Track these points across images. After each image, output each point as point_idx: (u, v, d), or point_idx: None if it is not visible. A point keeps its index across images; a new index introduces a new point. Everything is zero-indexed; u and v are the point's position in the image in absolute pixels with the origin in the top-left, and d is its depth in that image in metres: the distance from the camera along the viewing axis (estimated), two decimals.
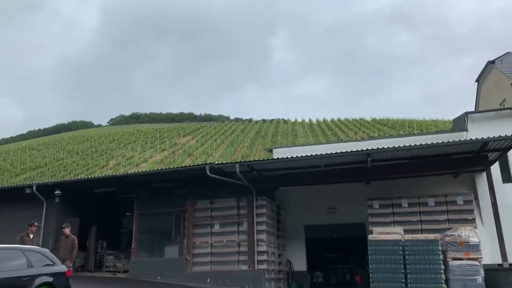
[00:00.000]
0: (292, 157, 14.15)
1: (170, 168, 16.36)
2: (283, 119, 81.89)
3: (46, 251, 8.71)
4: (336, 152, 13.72)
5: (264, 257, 14.66)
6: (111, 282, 14.74)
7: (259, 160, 15.04)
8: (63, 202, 16.76)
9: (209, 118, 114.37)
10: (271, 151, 18.50)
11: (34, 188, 16.57)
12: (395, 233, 13.14)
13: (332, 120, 73.21)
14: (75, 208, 17.27)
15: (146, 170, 18.83)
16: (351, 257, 20.07)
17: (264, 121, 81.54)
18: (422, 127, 48.18)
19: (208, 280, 14.66)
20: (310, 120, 76.97)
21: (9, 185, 23.89)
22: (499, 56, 21.02)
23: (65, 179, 20.75)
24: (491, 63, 20.68)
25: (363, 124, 62.37)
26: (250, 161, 15.13)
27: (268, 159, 14.61)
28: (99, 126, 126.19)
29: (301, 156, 13.93)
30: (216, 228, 15.51)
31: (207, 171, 14.11)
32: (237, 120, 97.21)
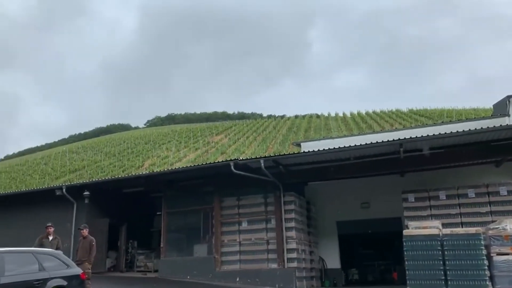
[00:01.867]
0: (318, 150, 13.54)
1: (195, 165, 16.16)
2: (316, 114, 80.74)
3: (59, 253, 8.57)
4: (366, 143, 13.03)
5: (294, 255, 14.16)
6: (137, 283, 14.66)
7: (284, 154, 14.56)
8: (93, 203, 16.87)
9: (242, 116, 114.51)
10: (299, 145, 17.94)
11: (64, 190, 16.76)
12: (432, 227, 12.31)
13: (367, 113, 71.48)
14: (105, 208, 17.36)
15: (170, 168, 18.67)
16: (388, 253, 19.23)
17: (296, 117, 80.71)
18: (461, 116, 46.12)
19: (238, 279, 14.31)
20: (344, 114, 75.49)
21: (41, 187, 24.39)
22: None
23: (94, 179, 20.95)
24: None
25: (399, 116, 60.50)
26: (275, 155, 14.65)
27: (294, 153, 14.08)
28: (136, 128, 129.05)
29: (328, 149, 13.29)
30: (244, 225, 15.13)
31: (232, 167, 13.75)
32: (269, 117, 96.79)
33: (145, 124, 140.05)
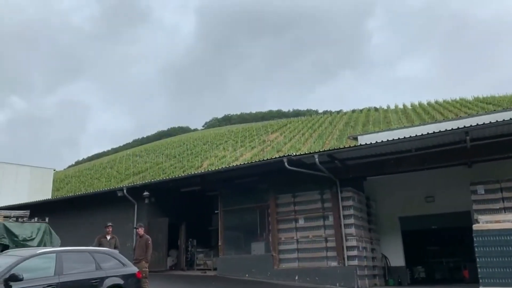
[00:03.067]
0: (376, 142, 12.89)
1: (248, 163, 16.04)
2: (374, 107, 78.34)
3: (115, 252, 8.72)
4: (428, 133, 12.22)
5: (354, 253, 13.62)
6: (196, 281, 14.79)
7: (339, 148, 14.03)
8: (153, 203, 17.32)
9: (297, 114, 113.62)
10: (356, 138, 17.30)
11: (125, 191, 17.33)
12: (505, 221, 11.30)
13: (429, 103, 68.23)
14: (164, 208, 17.76)
15: (224, 167, 18.72)
16: (456, 249, 18.02)
17: (353, 111, 78.76)
18: None
19: (296, 278, 14.02)
20: (404, 105, 72.58)
21: (103, 189, 25.53)
22: None
23: (152, 180, 21.52)
24: None
25: (464, 105, 57.17)
26: (329, 150, 14.17)
27: (349, 147, 13.51)
28: (195, 130, 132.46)
29: (387, 140, 12.62)
30: (301, 222, 14.80)
31: (286, 163, 13.46)
32: (325, 112, 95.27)
33: (203, 126, 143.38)
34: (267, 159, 15.37)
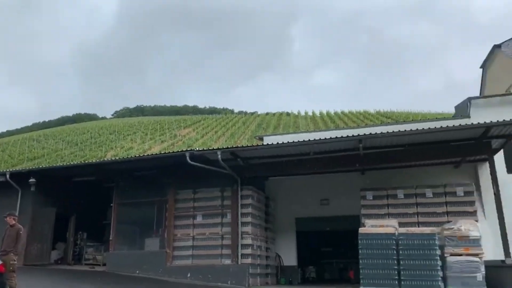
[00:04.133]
0: (278, 143, 13.11)
1: (148, 155, 15.41)
2: (286, 112, 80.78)
3: None
4: (325, 138, 12.71)
5: (248, 251, 13.69)
6: (82, 276, 13.86)
7: (242, 146, 14.06)
8: (40, 191, 15.90)
9: (213, 111, 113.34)
10: (261, 139, 17.48)
11: (8, 176, 15.71)
12: (388, 226, 12.10)
13: (335, 113, 72.01)
14: (53, 197, 16.42)
15: (123, 157, 17.88)
16: (346, 251, 19.05)
17: (267, 114, 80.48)
18: (426, 118, 46.91)
19: (189, 275, 13.73)
20: (313, 112, 75.83)
21: None
22: (505, 40, 19.78)
23: (41, 166, 19.85)
24: (497, 47, 19.46)
25: (366, 116, 61.20)
26: (233, 147, 14.12)
27: (252, 146, 13.61)
28: (103, 118, 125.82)
29: (288, 142, 12.89)
30: (199, 219, 14.55)
31: (188, 158, 13.14)
32: (240, 113, 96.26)
33: (112, 115, 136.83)
34: (169, 152, 14.90)
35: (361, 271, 11.47)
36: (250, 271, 13.36)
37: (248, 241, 13.78)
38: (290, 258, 16.14)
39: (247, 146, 13.85)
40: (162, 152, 19.07)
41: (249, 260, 13.54)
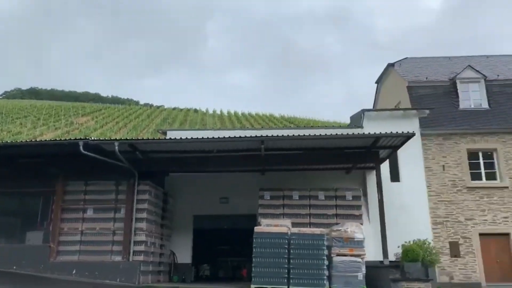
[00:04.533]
0: (181, 138, 12.85)
1: (37, 141, 14.14)
2: (194, 108, 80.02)
3: None
4: (229, 137, 12.76)
5: (141, 248, 13.19)
6: None
7: (142, 139, 13.52)
8: None
9: (116, 101, 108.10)
10: (164, 133, 17.01)
11: None
12: (282, 225, 12.52)
13: (243, 114, 73.06)
14: None
15: (6, 142, 16.23)
16: (242, 250, 19.35)
17: (174, 108, 78.95)
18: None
19: (74, 272, 12.83)
20: (221, 111, 76.10)
21: None
22: (398, 60, 21.69)
23: None
24: (391, 66, 21.25)
25: (271, 120, 63.02)
26: (132, 139, 13.53)
27: (153, 139, 13.16)
28: None
29: (191, 138, 12.69)
30: (89, 213, 13.68)
31: (81, 147, 12.27)
32: (146, 105, 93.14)
33: (1, 95, 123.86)
34: (60, 139, 13.79)
35: (253, 269, 11.68)
36: (141, 268, 12.89)
37: (142, 237, 13.28)
38: (185, 255, 15.91)
39: (148, 139, 13.35)
40: (53, 139, 17.62)
41: (141, 257, 13.05)
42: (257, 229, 12.19)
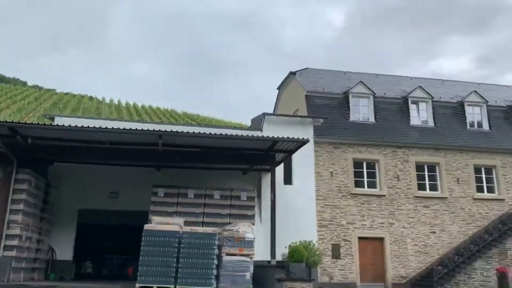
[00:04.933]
0: (70, 125, 11.89)
1: None
2: (90, 95, 75.16)
3: None
4: (124, 128, 12.13)
5: (14, 242, 11.95)
6: None
7: (25, 122, 12.28)
8: None
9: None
10: (52, 118, 15.61)
11: None
12: (174, 224, 12.21)
13: (143, 106, 70.52)
14: None
15: None
16: (130, 247, 18.53)
17: (66, 93, 73.34)
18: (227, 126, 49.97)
19: None
20: (119, 101, 72.58)
21: None
22: (300, 69, 22.69)
23: None
24: (292, 74, 22.15)
25: (172, 115, 61.76)
26: (13, 122, 12.21)
27: (37, 124, 12.02)
28: None
29: (81, 126, 11.80)
30: None
31: None
32: (35, 87, 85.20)
33: None
34: None
35: (139, 268, 11.22)
36: (12, 264, 11.67)
37: (16, 231, 12.03)
38: (66, 252, 14.79)
39: (32, 123, 12.14)
40: None
41: (13, 253, 11.83)
42: (147, 226, 11.76)
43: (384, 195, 18.33)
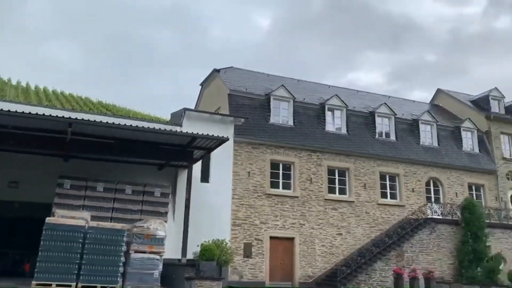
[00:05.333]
0: None
1: None
2: None
3: None
4: (30, 113, 11.17)
5: None
6: None
7: None
8: None
9: None
10: None
11: None
12: (80, 218, 11.50)
13: (54, 91, 65.85)
14: None
15: None
16: (29, 242, 17.11)
17: None
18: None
19: None
20: (28, 84, 67.09)
21: None
22: (224, 67, 22.63)
23: None
24: (216, 71, 22.02)
25: (86, 104, 58.45)
26: None
27: None
28: None
29: None
30: None
31: None
32: None
33: None
34: None
35: (38, 264, 10.45)
36: None
37: None
38: None
39: None
40: None
41: None
42: (49, 220, 10.95)
43: (297, 197, 18.92)
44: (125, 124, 11.98)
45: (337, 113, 21.30)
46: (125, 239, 11.26)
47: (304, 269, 18.34)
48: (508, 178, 24.41)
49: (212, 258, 12.52)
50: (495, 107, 26.38)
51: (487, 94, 27.01)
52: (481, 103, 27.02)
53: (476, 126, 24.38)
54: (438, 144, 23.08)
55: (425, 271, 17.69)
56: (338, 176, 20.18)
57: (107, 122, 11.72)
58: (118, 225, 11.47)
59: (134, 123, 12.92)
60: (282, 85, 20.74)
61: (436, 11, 74.85)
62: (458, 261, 19.68)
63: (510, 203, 24.02)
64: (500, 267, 19.85)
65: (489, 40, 73.13)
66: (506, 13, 75.24)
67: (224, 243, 14.08)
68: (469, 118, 24.74)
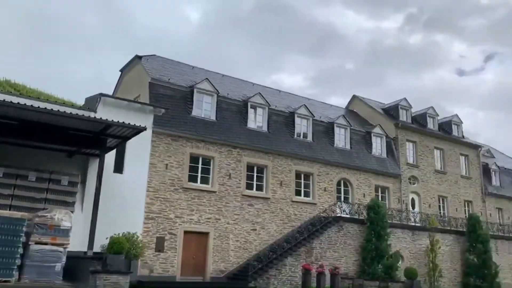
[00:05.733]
0: None
1: None
2: None
3: None
4: None
5: None
6: None
7: None
8: None
9: None
10: None
11: None
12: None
13: None
14: None
15: None
16: None
17: None
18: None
19: None
20: None
21: None
22: (147, 55, 21.85)
23: None
24: (138, 58, 21.17)
25: None
26: None
27: None
28: None
29: None
30: None
31: None
32: None
33: None
34: None
35: None
36: None
37: None
38: None
39: None
40: None
41: None
42: None
43: (215, 192, 18.86)
44: (31, 105, 11.03)
45: (259, 111, 21.57)
46: (24, 229, 10.42)
47: (217, 264, 18.34)
48: (410, 182, 26.50)
49: (121, 251, 11.99)
50: (403, 116, 28.49)
51: (396, 103, 29.09)
52: (391, 111, 29.03)
53: (385, 132, 26.10)
54: (351, 147, 24.35)
55: (332, 267, 18.55)
56: (257, 173, 20.46)
57: (10, 102, 10.70)
58: (17, 214, 10.59)
59: (42, 105, 11.93)
60: (207, 78, 20.53)
61: (357, 23, 78.96)
62: (362, 258, 20.91)
63: (410, 205, 26.10)
64: (398, 264, 21.47)
65: (403, 54, 78.72)
66: (419, 31, 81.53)
67: (135, 237, 13.60)
68: (380, 125, 26.43)
